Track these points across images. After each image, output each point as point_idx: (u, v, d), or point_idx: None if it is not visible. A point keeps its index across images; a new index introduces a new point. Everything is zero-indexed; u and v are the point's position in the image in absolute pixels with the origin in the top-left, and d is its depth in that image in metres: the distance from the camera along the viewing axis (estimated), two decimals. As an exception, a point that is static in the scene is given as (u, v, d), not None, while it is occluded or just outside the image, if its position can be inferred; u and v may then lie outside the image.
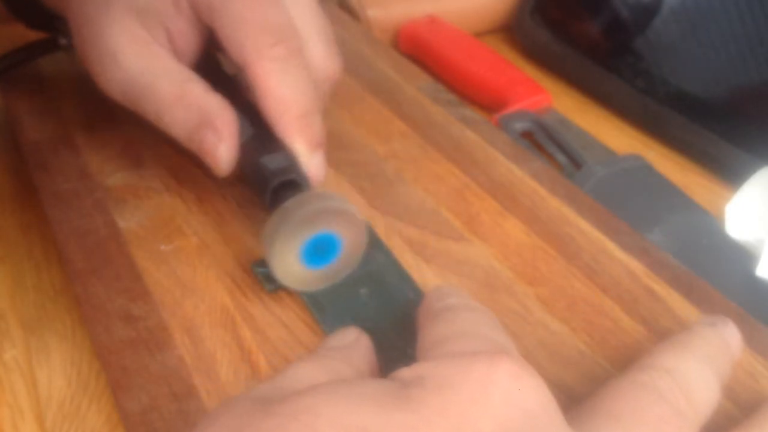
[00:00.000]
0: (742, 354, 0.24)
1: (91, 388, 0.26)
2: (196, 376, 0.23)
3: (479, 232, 0.30)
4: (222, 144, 0.27)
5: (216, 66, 0.32)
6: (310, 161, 0.27)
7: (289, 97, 0.27)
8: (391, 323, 0.25)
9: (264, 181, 0.26)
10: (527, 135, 0.41)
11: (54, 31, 0.37)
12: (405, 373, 0.17)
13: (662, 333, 0.25)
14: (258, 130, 0.28)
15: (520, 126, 0.41)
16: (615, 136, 0.43)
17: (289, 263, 0.25)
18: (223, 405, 0.17)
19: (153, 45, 0.28)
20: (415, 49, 0.50)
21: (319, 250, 0.25)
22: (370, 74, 0.42)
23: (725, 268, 0.32)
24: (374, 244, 0.28)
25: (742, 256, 0.33)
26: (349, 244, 0.26)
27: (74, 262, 0.27)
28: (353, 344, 0.22)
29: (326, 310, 0.26)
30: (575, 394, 0.23)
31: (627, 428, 0.18)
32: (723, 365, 0.21)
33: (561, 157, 0.39)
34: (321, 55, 0.29)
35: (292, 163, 0.27)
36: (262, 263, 0.27)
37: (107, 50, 0.28)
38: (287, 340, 0.25)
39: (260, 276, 0.27)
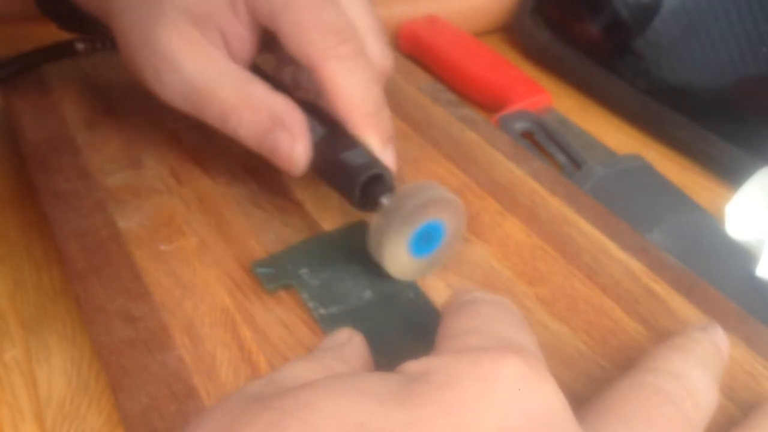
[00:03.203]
0: (741, 354, 0.24)
1: (91, 388, 0.26)
2: (196, 376, 0.23)
3: (479, 232, 0.30)
4: (297, 143, 0.27)
5: (258, 68, 0.31)
6: (385, 155, 0.27)
7: (359, 94, 0.27)
8: (391, 323, 0.25)
9: (350, 177, 0.26)
10: (527, 135, 0.41)
11: (88, 33, 0.36)
12: (412, 366, 0.17)
13: (662, 333, 0.25)
14: (326, 129, 0.28)
15: (520, 126, 0.41)
16: (615, 136, 0.43)
17: (400, 257, 0.26)
18: (219, 402, 0.17)
19: (210, 47, 0.28)
20: (415, 49, 0.50)
21: (425, 239, 0.26)
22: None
23: (725, 268, 0.32)
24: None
25: (742, 256, 0.33)
26: (451, 228, 0.27)
27: (74, 262, 0.27)
28: (346, 343, 0.22)
29: (326, 310, 0.26)
30: (575, 394, 0.23)
31: (637, 430, 0.18)
32: (718, 369, 0.21)
33: (561, 157, 0.39)
34: (377, 51, 0.30)
35: (372, 158, 0.27)
36: (262, 263, 0.27)
37: (163, 55, 0.27)
38: (287, 340, 0.25)
39: (260, 276, 0.27)
